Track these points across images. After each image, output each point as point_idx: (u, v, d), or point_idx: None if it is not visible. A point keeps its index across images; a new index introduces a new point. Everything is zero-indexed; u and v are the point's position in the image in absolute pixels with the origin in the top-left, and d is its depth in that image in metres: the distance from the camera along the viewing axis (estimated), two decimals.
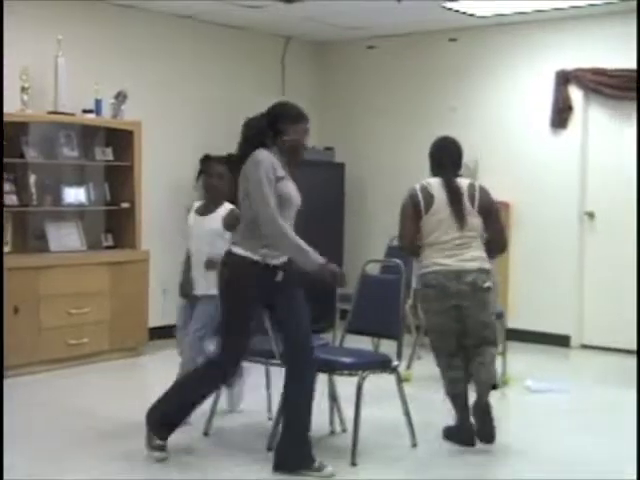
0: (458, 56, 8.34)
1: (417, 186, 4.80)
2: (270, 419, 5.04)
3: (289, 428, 4.35)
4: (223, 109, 8.21)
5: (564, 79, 7.76)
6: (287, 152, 4.38)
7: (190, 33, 8.03)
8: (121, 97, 7.06)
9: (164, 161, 7.76)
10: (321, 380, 4.57)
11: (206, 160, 5.30)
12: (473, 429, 4.71)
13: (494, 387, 4.75)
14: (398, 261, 4.88)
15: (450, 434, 4.80)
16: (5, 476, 4.20)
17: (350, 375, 4.57)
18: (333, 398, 5.01)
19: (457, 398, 4.75)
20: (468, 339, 4.73)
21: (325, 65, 9.26)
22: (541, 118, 7.89)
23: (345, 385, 4.84)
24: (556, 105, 7.82)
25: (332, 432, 5.00)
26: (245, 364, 4.97)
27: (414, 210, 4.74)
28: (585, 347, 7.76)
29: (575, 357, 7.58)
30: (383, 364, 4.72)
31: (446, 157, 4.86)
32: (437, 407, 5.24)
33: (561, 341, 7.77)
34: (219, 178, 5.19)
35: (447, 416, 4.90)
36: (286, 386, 4.38)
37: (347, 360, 4.63)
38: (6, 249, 6.49)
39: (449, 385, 4.78)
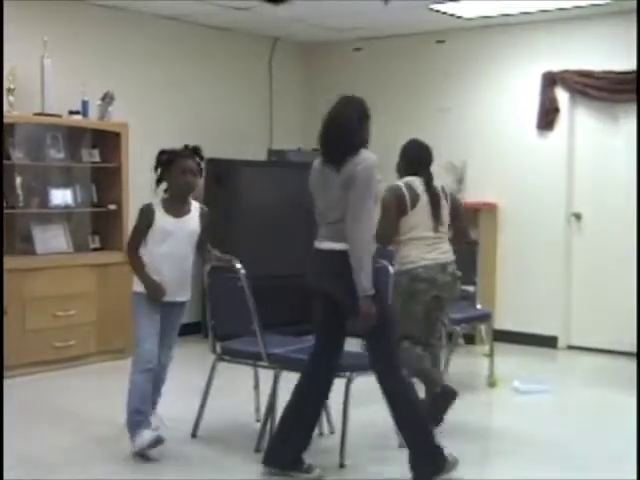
0: (446, 58, 8.35)
1: (400, 184, 5.03)
2: (258, 420, 5.03)
3: (283, 429, 4.37)
4: (210, 110, 8.20)
5: (551, 81, 7.78)
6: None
7: (177, 34, 8.01)
8: (108, 98, 7.04)
9: (151, 163, 7.67)
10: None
11: (176, 155, 4.83)
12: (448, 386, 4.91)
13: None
14: (385, 263, 4.88)
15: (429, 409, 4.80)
16: None
17: (338, 376, 4.56)
18: None
19: (425, 371, 4.93)
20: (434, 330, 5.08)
21: (312, 66, 9.26)
22: (528, 119, 7.91)
23: (333, 386, 4.82)
24: (543, 107, 7.84)
25: (321, 434, 4.99)
26: (233, 366, 4.97)
27: (398, 206, 4.96)
28: (572, 348, 7.78)
29: (562, 358, 7.60)
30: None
31: (423, 158, 5.15)
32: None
33: (548, 342, 7.79)
34: (193, 175, 4.80)
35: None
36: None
37: None
38: None
39: (417, 360, 4.91)
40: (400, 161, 5.24)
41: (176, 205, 4.80)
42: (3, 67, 6.25)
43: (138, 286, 4.72)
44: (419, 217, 4.98)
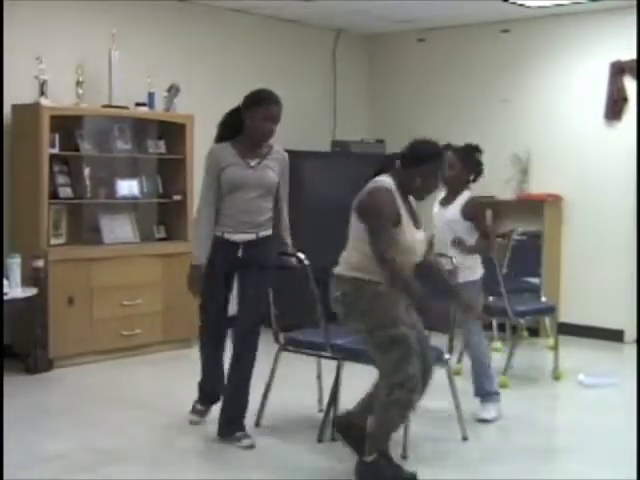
0: (510, 47, 8.26)
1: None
2: (321, 411, 5.05)
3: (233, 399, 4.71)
4: None
5: (619, 70, 7.61)
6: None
7: (242, 26, 8.06)
8: (174, 90, 7.12)
9: None
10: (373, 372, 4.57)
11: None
12: None
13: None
14: (450, 254, 4.86)
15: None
16: (56, 467, 4.29)
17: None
18: None
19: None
20: None
21: (375, 58, 9.24)
22: (594, 110, 7.76)
23: None
24: (610, 96, 7.67)
25: None
26: (294, 356, 5.00)
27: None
28: (637, 342, 7.64)
29: (629, 352, 7.47)
30: (435, 357, 4.70)
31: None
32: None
33: (614, 336, 7.67)
34: (451, 168, 5.08)
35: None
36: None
37: None
38: (61, 241, 6.62)
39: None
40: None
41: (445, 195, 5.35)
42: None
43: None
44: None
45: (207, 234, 4.70)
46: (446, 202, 5.37)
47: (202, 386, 5.01)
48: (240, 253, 4.70)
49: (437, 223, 5.38)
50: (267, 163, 4.72)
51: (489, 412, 5.16)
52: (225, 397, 4.75)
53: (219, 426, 4.70)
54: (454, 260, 4.83)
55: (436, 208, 5.44)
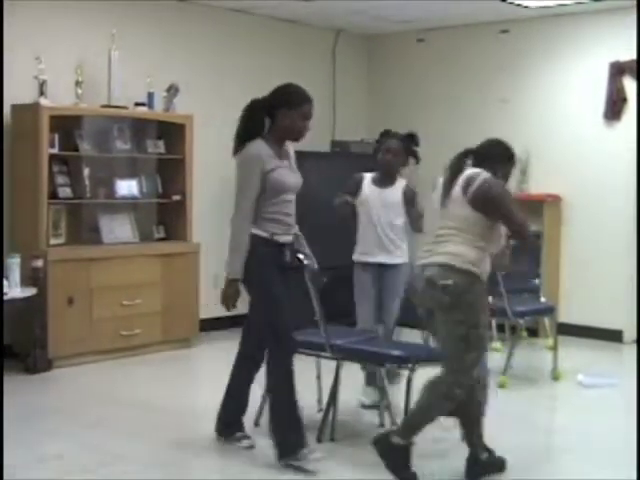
0: (509, 48, 8.26)
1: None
2: (320, 411, 5.04)
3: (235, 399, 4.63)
4: None
5: (618, 70, 7.65)
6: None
7: (241, 26, 8.06)
8: (173, 90, 7.12)
9: (215, 154, 7.79)
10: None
11: (384, 135, 5.53)
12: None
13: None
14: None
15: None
16: (56, 467, 4.29)
17: (400, 368, 4.56)
18: (383, 391, 5.00)
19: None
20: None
21: (375, 58, 9.24)
22: (594, 110, 7.79)
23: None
24: (610, 97, 7.71)
25: (381, 425, 5.00)
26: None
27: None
28: (637, 342, 7.65)
29: (628, 352, 7.48)
30: (433, 357, 4.69)
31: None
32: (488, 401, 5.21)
33: (613, 336, 7.67)
34: (395, 154, 5.41)
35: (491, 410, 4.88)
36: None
37: (397, 352, 4.63)
38: (61, 241, 6.62)
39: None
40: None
41: (380, 178, 5.52)
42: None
43: None
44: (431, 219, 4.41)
45: (246, 247, 4.30)
46: (382, 184, 5.50)
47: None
48: (287, 256, 4.45)
49: (374, 203, 5.48)
50: (292, 163, 4.53)
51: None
52: (227, 396, 4.69)
53: (218, 424, 4.69)
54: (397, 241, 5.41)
55: (368, 188, 5.53)
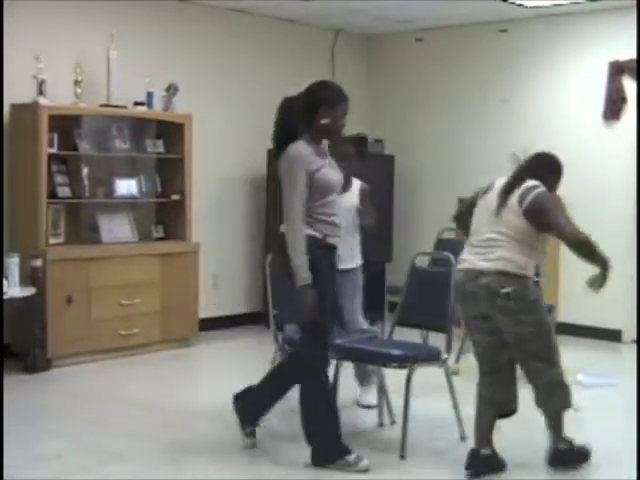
0: (509, 47, 8.26)
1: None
2: None
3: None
4: (273, 102, 8.19)
5: (618, 70, 7.64)
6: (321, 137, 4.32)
7: (240, 26, 8.06)
8: (172, 90, 7.11)
9: (214, 153, 7.82)
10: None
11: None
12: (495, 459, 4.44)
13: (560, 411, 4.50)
14: (448, 254, 4.86)
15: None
16: (55, 466, 4.29)
17: (399, 367, 4.56)
18: (382, 390, 5.01)
19: (478, 420, 4.44)
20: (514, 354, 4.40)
21: (374, 58, 9.24)
22: (593, 110, 7.78)
23: (394, 377, 4.84)
24: (609, 96, 7.71)
25: (381, 424, 5.00)
26: None
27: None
28: (637, 342, 7.65)
29: (627, 352, 7.48)
30: (432, 356, 4.71)
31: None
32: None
33: (613, 336, 7.68)
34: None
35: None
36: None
37: (396, 352, 4.63)
38: (60, 240, 6.61)
39: (476, 403, 4.46)
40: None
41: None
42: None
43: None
44: (477, 216, 4.42)
45: (304, 249, 4.16)
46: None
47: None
48: (336, 257, 4.40)
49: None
50: (331, 160, 4.39)
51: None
52: (260, 391, 4.58)
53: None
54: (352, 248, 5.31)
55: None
